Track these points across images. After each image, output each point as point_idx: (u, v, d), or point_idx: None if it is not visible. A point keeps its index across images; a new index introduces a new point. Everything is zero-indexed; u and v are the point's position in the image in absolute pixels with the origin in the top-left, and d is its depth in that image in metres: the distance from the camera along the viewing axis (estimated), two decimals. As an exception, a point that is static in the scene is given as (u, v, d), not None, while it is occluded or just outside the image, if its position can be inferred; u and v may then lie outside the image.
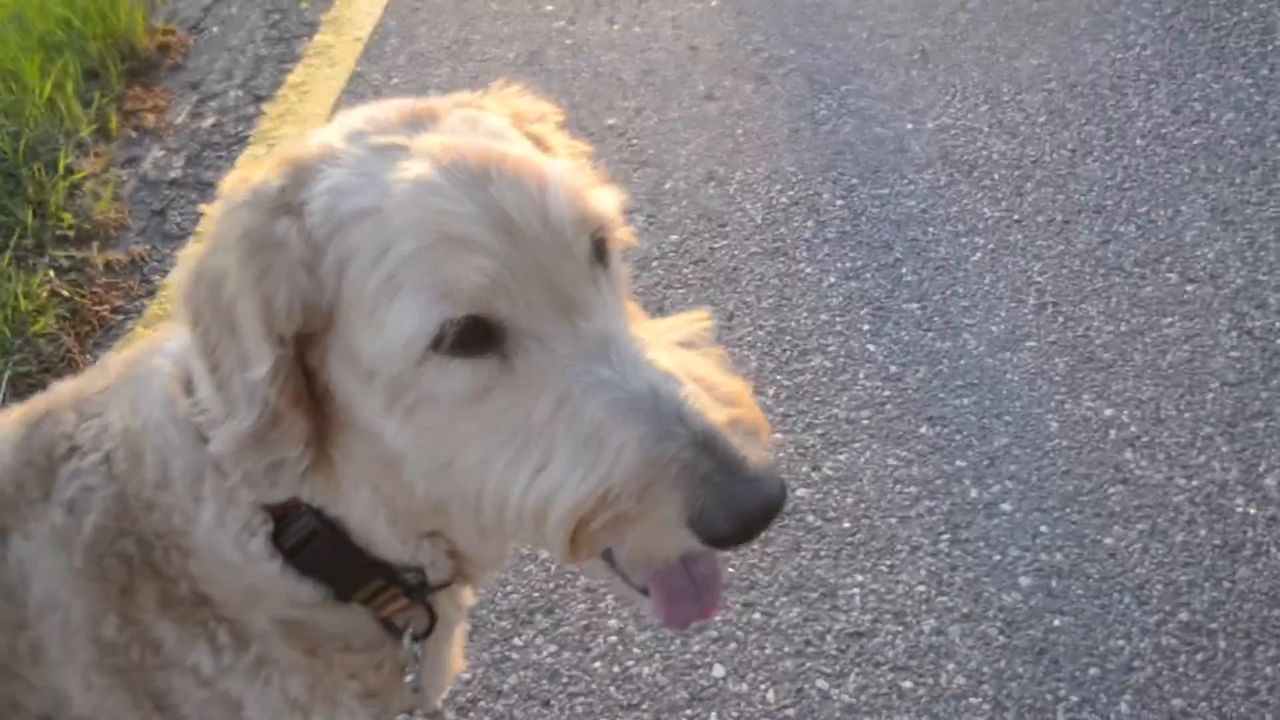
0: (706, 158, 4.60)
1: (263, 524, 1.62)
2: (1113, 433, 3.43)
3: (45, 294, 4.11)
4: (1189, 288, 3.87)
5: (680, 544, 1.35)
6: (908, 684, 2.89)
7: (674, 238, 4.21)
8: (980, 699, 2.85)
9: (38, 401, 1.75)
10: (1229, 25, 5.06)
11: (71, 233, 4.44)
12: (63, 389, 1.75)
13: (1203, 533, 3.16)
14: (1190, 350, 3.66)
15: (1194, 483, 3.28)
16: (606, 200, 1.49)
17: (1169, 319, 3.76)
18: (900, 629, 3.00)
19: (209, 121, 5.09)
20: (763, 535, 1.36)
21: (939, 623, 3.01)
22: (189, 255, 1.49)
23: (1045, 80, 4.87)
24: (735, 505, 1.30)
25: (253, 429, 1.45)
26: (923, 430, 3.49)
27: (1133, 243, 4.06)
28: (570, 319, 1.38)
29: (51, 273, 4.20)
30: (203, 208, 4.55)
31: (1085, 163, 4.43)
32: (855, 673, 2.92)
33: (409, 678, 1.75)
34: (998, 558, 3.14)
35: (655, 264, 4.10)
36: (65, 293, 4.16)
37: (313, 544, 1.63)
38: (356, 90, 5.17)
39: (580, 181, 1.47)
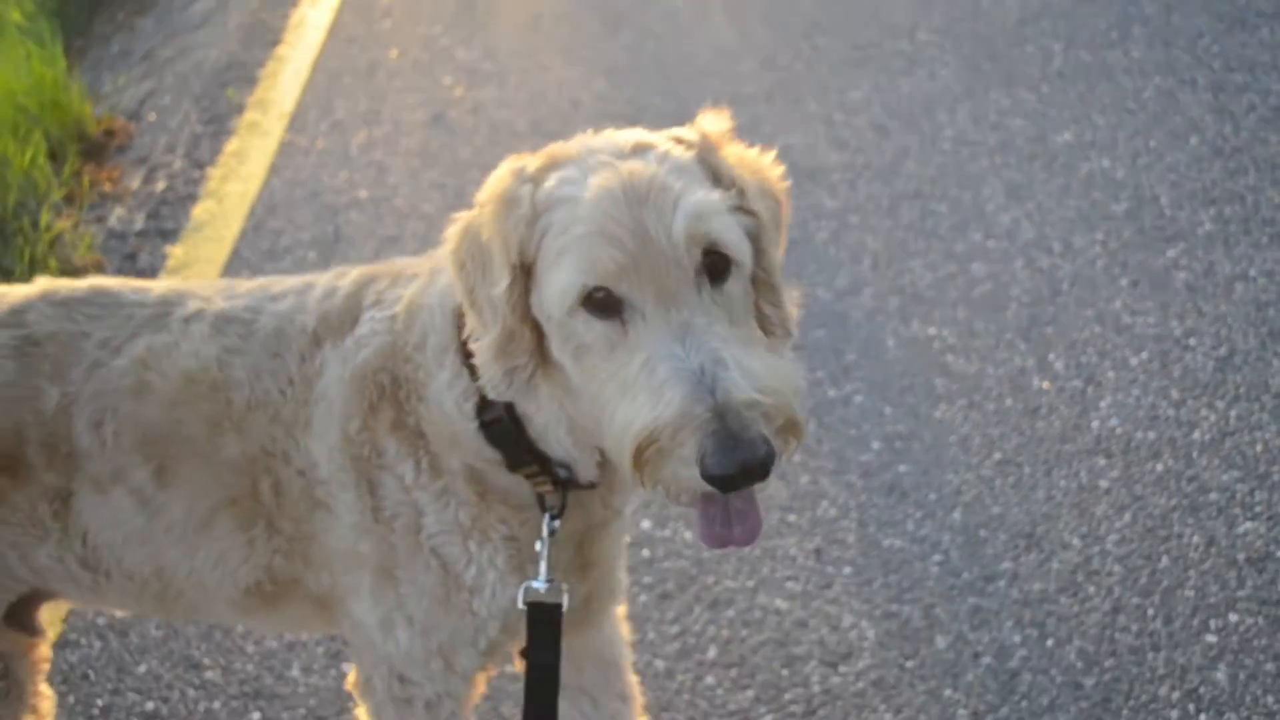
0: (595, 182, 5.50)
1: (474, 395, 2.17)
2: (936, 344, 4.36)
3: (45, 318, 4.84)
4: (990, 243, 4.85)
5: (695, 481, 1.81)
6: (792, 518, 3.75)
7: (575, 240, 5.10)
8: (848, 521, 3.72)
9: (380, 265, 2.41)
10: (1015, 56, 6.15)
11: (58, 275, 5.18)
12: (400, 262, 2.39)
13: (1008, 402, 4.08)
14: (993, 285, 4.62)
15: (1000, 370, 4.21)
16: (721, 227, 1.95)
17: (976, 264, 4.73)
18: (781, 482, 3.86)
19: (161, 186, 5.88)
20: (758, 485, 1.80)
21: (813, 477, 3.88)
22: (458, 220, 2.11)
23: (870, 107, 5.88)
24: (727, 457, 1.75)
25: (496, 339, 2.01)
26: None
27: (945, 216, 5.04)
28: (668, 308, 1.88)
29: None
30: (167, 249, 5.36)
31: (905, 164, 5.42)
32: (751, 515, 3.76)
33: (538, 545, 2.26)
34: (854, 432, 4.03)
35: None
36: (61, 318, 4.90)
37: (498, 425, 2.18)
38: (287, 154, 6.00)
39: (706, 209, 1.94)
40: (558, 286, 1.92)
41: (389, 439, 2.26)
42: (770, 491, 2.13)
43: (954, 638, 3.37)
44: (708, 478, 1.77)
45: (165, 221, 5.58)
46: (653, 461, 1.85)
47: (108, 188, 5.91)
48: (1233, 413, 3.97)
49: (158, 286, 2.45)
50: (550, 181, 1.98)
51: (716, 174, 2.04)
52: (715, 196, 1.97)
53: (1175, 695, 3.19)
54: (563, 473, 2.23)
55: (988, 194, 5.15)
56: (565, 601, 2.29)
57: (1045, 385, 4.13)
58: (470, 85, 6.44)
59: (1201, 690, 3.19)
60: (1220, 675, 3.22)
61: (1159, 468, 3.80)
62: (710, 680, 3.32)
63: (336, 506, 2.31)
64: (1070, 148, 5.40)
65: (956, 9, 6.71)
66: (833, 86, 6.11)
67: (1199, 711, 3.14)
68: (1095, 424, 3.98)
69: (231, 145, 6.16)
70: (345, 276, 2.40)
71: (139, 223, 5.60)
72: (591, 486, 2.27)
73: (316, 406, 2.29)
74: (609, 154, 1.99)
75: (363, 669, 2.51)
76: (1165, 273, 4.60)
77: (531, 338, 2.03)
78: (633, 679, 3.01)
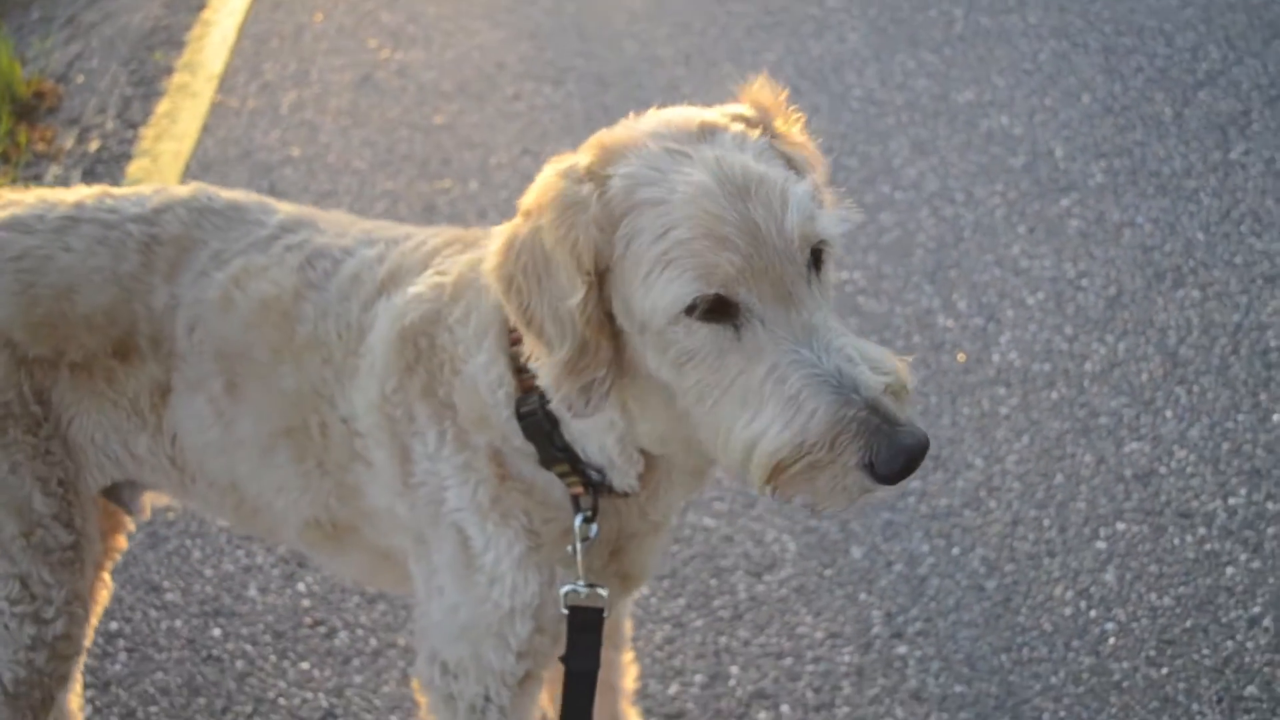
0: (521, 139, 5.73)
1: (509, 384, 2.15)
2: (849, 287, 4.64)
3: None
4: (897, 194, 5.15)
5: (862, 483, 1.76)
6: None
7: (503, 194, 5.33)
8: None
9: (468, 231, 2.42)
10: (920, 20, 6.45)
11: (-3, 229, 5.31)
12: (482, 231, 2.39)
13: (916, 338, 4.38)
14: (901, 232, 4.92)
15: (908, 310, 4.51)
16: (830, 223, 1.89)
17: (884, 214, 5.03)
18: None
19: (95, 145, 6.01)
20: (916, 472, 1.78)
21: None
22: (497, 236, 2.00)
23: (783, 68, 6.15)
24: (898, 449, 1.72)
25: (567, 356, 1.90)
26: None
27: (855, 170, 5.33)
28: (787, 308, 1.80)
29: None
30: (105, 206, 5.49)
31: (815, 122, 5.68)
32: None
33: (569, 549, 2.23)
34: (773, 367, 4.31)
35: (490, 213, 5.20)
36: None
37: (532, 418, 2.14)
38: (219, 115, 6.14)
39: (813, 205, 1.86)
40: (666, 298, 1.82)
41: (420, 404, 2.27)
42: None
43: (868, 548, 3.66)
44: (882, 477, 1.74)
45: (101, 179, 5.71)
46: (801, 475, 1.79)
47: (41, 147, 6.02)
48: (1121, 346, 4.30)
49: (287, 209, 2.54)
50: (618, 180, 1.89)
51: (786, 157, 1.99)
52: (811, 188, 1.89)
53: (1069, 594, 3.50)
54: (594, 475, 2.19)
55: (895, 149, 5.44)
56: (606, 608, 2.27)
57: (950, 324, 4.44)
58: (396, 48, 6.62)
59: (1092, 590, 3.51)
60: (1109, 576, 3.54)
61: (1054, 395, 4.12)
62: (644, 591, 3.58)
63: (374, 462, 2.37)
64: (971, 106, 5.71)
65: (864, -24, 7.01)
66: (746, 49, 6.37)
67: (1090, 608, 3.46)
68: (996, 357, 4.29)
69: (162, 106, 6.28)
70: (439, 235, 2.43)
71: (75, 179, 5.72)
72: (625, 495, 2.23)
73: (363, 359, 2.34)
74: (676, 140, 1.92)
75: (416, 642, 2.53)
76: (1059, 220, 4.93)
77: (609, 347, 1.94)
78: (628, 625, 3.10)
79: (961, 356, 4.30)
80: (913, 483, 3.83)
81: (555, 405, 2.02)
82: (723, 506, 3.80)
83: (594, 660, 2.32)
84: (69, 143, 6.06)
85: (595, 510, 2.21)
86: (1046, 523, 3.71)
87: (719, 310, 1.81)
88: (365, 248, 2.44)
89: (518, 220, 1.97)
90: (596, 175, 1.90)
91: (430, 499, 2.31)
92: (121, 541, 2.92)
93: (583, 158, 1.94)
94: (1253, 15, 6.29)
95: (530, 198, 1.96)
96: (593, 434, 2.13)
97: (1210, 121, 5.48)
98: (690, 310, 1.81)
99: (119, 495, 2.71)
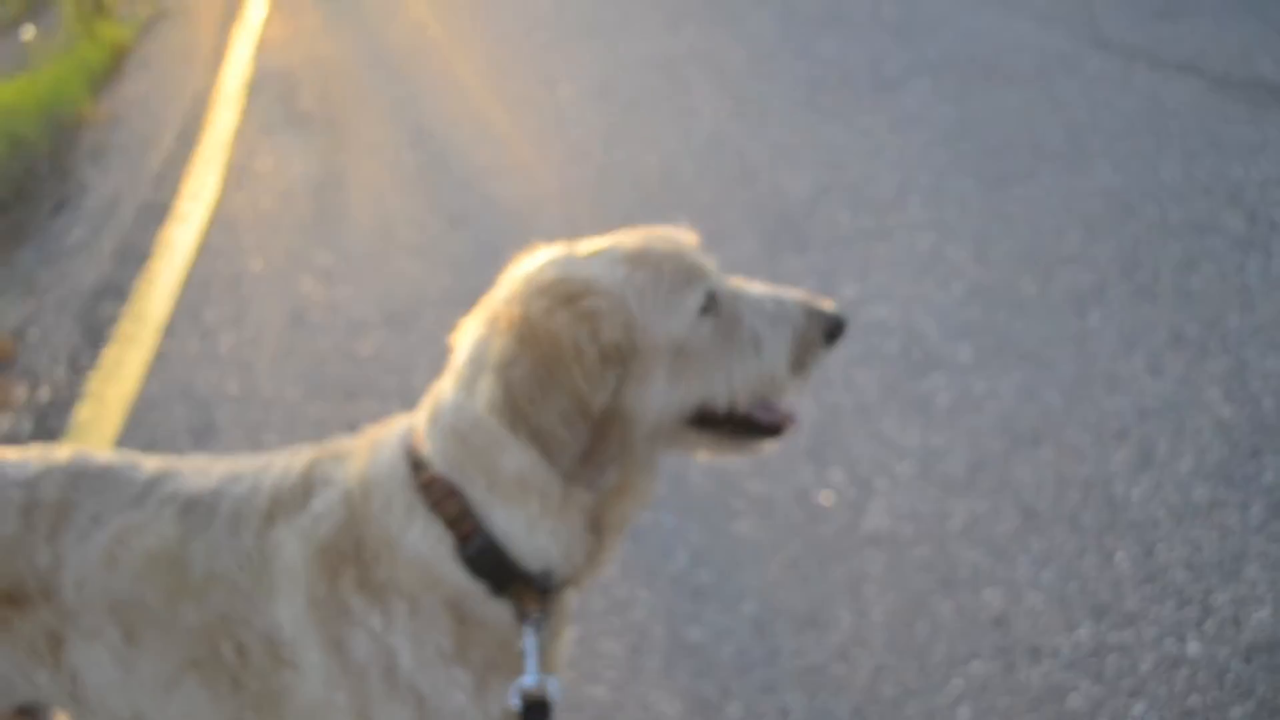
0: (440, 362, 6.15)
1: (447, 539, 2.40)
2: (734, 471, 5.04)
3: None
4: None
5: (822, 346, 2.46)
6: (611, 621, 4.36)
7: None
8: (658, 621, 4.34)
9: (324, 447, 2.64)
10: (808, 225, 6.99)
11: (-46, 478, 5.70)
12: (339, 443, 2.64)
13: (795, 514, 4.76)
14: (785, 418, 5.34)
15: (788, 488, 4.91)
16: None
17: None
18: (601, 595, 4.48)
19: (46, 395, 6.45)
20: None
21: (629, 587, 4.50)
22: (481, 403, 2.32)
23: (682, 278, 6.65)
24: (835, 323, 2.46)
25: (584, 447, 2.25)
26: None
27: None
28: (723, 283, 2.43)
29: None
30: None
31: (712, 324, 6.18)
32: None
33: (525, 640, 2.42)
34: (664, 548, 4.68)
35: (411, 428, 5.61)
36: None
37: (483, 556, 2.38)
38: (162, 359, 6.61)
39: None
40: (693, 302, 2.33)
41: (356, 597, 2.46)
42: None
43: (744, 704, 3.98)
44: (837, 324, 2.46)
45: (52, 423, 6.14)
46: (804, 356, 2.44)
47: (-2, 399, 6.47)
48: (981, 505, 4.70)
49: (152, 464, 2.75)
50: (596, 292, 2.28)
51: None
52: None
53: (925, 731, 3.83)
54: (543, 582, 2.42)
55: (782, 343, 5.90)
56: (556, 695, 2.46)
57: (824, 501, 4.84)
58: (327, 285, 7.13)
59: (947, 725, 3.84)
60: (964, 712, 3.86)
61: (918, 554, 4.50)
62: (541, 757, 3.89)
63: (303, 664, 2.53)
64: (853, 300, 6.21)
65: (761, 186, 7.59)
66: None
67: (944, 741, 3.78)
68: (866, 523, 4.68)
69: (110, 354, 6.75)
70: (298, 457, 2.64)
71: (26, 429, 6.15)
72: (561, 587, 2.47)
73: (280, 577, 2.51)
74: (564, 254, 2.42)
75: None
76: (928, 397, 5.37)
77: (618, 424, 2.32)
78: None
79: (826, 499, 4.69)
80: (787, 642, 4.18)
81: (581, 490, 2.34)
82: (612, 675, 4.13)
83: None
84: (21, 394, 6.50)
85: (549, 610, 2.46)
86: (908, 668, 4.04)
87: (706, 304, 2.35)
88: (232, 485, 2.66)
89: (495, 378, 2.27)
90: (582, 310, 2.25)
91: (383, 673, 2.48)
92: None
93: (545, 287, 2.29)
94: (1109, 199, 6.87)
95: (545, 351, 2.24)
96: (555, 537, 2.38)
97: (1070, 295, 5.98)
98: (703, 310, 2.34)
99: (33, 713, 3.02)
